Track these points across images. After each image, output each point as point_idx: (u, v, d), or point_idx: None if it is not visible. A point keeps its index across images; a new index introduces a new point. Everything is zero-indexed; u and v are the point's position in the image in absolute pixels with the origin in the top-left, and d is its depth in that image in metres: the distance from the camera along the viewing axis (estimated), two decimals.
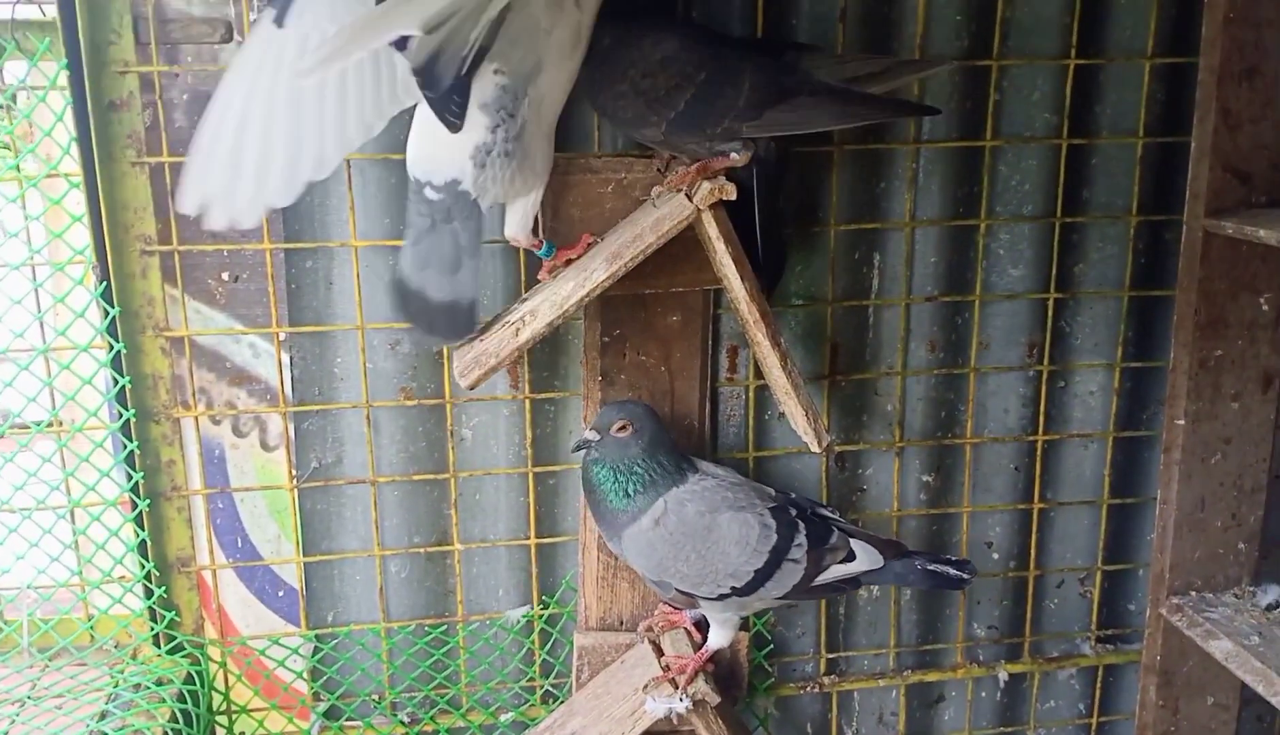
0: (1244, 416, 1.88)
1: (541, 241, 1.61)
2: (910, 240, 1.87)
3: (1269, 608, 1.87)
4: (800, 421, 1.58)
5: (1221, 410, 1.87)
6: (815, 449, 1.57)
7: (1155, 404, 2.03)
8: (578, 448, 1.62)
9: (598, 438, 1.60)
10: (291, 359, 1.77)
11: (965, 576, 1.69)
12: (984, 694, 2.15)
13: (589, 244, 1.61)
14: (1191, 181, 1.80)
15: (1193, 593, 1.94)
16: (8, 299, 1.66)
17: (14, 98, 1.61)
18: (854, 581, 1.68)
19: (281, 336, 1.75)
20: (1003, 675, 2.10)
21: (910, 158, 1.83)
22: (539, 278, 1.64)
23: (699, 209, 1.47)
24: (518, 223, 1.57)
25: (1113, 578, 2.12)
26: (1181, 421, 1.87)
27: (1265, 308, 1.83)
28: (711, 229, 1.49)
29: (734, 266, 1.50)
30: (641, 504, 1.59)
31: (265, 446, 1.84)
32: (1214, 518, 1.92)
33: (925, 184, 1.86)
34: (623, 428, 1.58)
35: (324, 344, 1.78)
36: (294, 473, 1.81)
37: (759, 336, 1.54)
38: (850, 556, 1.65)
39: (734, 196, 1.46)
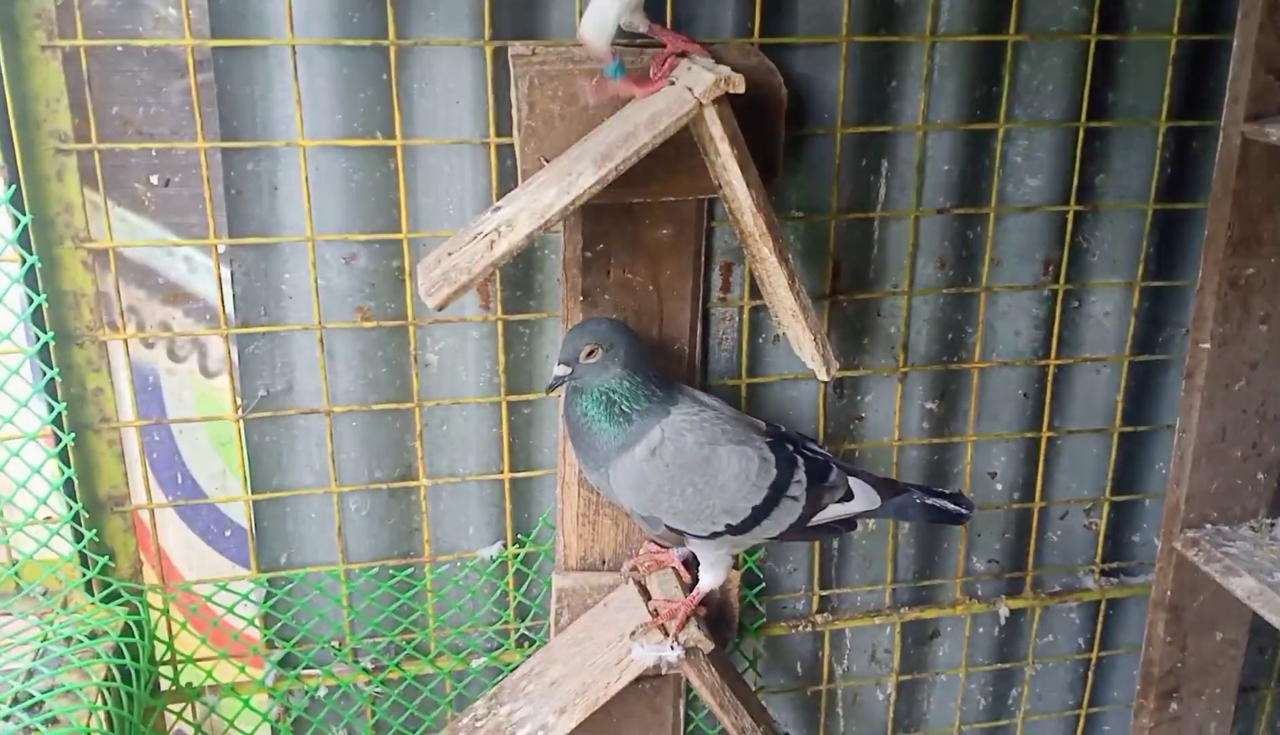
0: (1272, 340, 1.75)
1: (614, 56, 1.35)
2: (922, 146, 1.70)
3: None
4: (807, 346, 1.42)
5: (1249, 333, 1.74)
6: (823, 377, 1.42)
7: (1172, 326, 1.90)
8: (551, 388, 1.45)
9: (569, 371, 1.42)
10: (233, 274, 1.57)
11: (964, 511, 1.58)
12: (981, 630, 2.04)
13: (668, 71, 1.37)
14: (1232, 83, 1.64)
15: (1208, 525, 1.84)
16: None
17: None
18: (849, 522, 1.56)
19: (221, 249, 1.55)
20: (1003, 611, 1.99)
21: (925, 53, 1.65)
22: (589, 97, 1.41)
23: (701, 103, 1.28)
24: (598, 19, 1.31)
25: (1118, 509, 2.01)
26: (1207, 344, 1.74)
27: None
28: (715, 128, 1.31)
29: (739, 172, 1.32)
30: (635, 431, 1.43)
31: (206, 372, 1.65)
32: (1234, 447, 1.81)
33: (940, 83, 1.68)
34: (591, 352, 1.41)
35: (269, 258, 1.57)
36: (239, 402, 1.62)
37: (765, 251, 1.37)
38: (848, 495, 1.53)
39: (742, 89, 1.28)
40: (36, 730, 1.35)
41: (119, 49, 1.45)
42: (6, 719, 1.37)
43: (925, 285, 1.78)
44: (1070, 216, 1.78)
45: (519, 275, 1.66)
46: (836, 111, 1.64)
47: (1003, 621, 2.01)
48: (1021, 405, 1.90)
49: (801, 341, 1.44)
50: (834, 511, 1.53)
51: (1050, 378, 1.88)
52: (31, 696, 1.41)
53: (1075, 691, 2.13)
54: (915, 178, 1.71)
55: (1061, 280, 1.82)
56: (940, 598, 2.00)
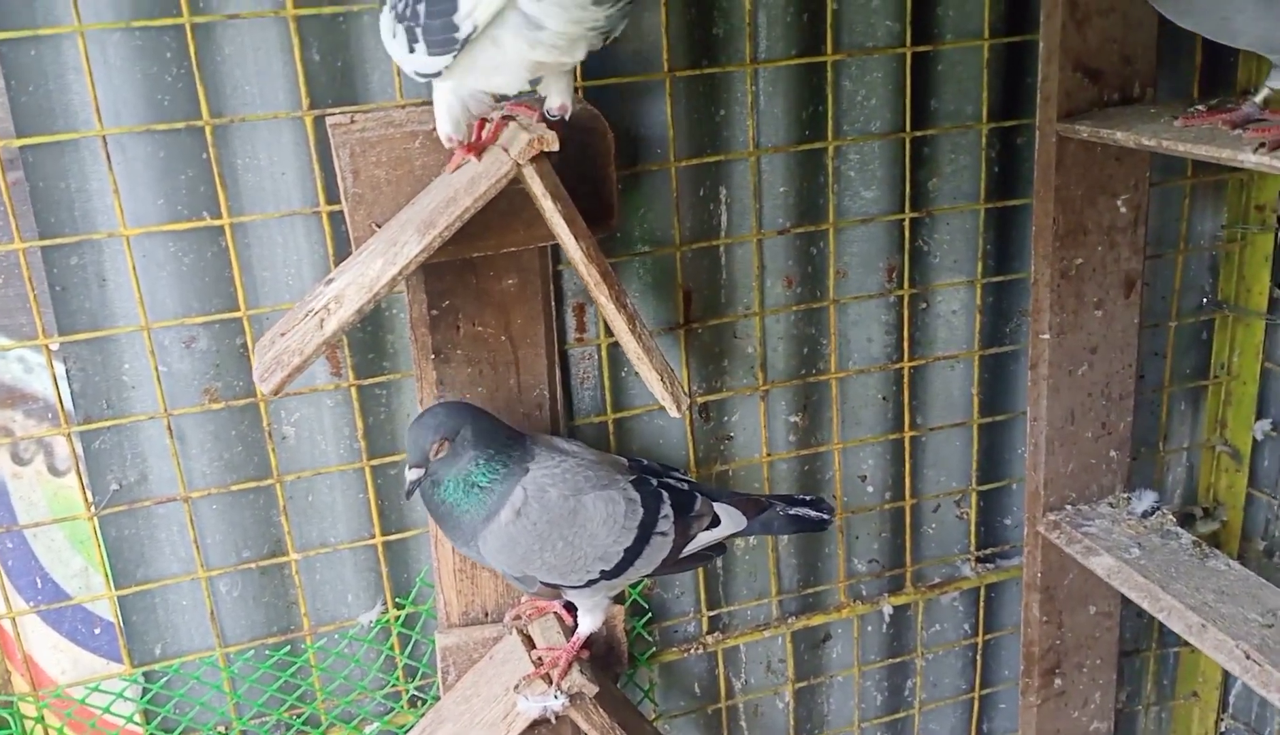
0: (1108, 323, 1.83)
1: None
2: (756, 170, 1.73)
3: (1144, 514, 1.85)
4: (656, 386, 1.43)
5: (1085, 320, 1.81)
6: (674, 413, 1.43)
7: (1018, 316, 1.97)
8: (409, 493, 1.41)
9: (422, 472, 1.40)
10: (68, 371, 1.53)
11: (825, 517, 1.62)
12: (870, 628, 2.09)
13: (492, 136, 1.36)
14: (1042, 83, 1.71)
15: (1068, 506, 1.90)
16: None
17: None
18: (720, 546, 1.58)
19: (54, 347, 1.51)
20: (887, 609, 2.04)
21: (748, 80, 1.68)
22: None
23: (519, 164, 1.29)
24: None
25: (987, 496, 2.07)
26: (1046, 335, 1.81)
27: (1124, 210, 1.76)
28: (535, 185, 1.31)
29: (566, 226, 1.33)
30: (497, 499, 1.42)
31: (54, 471, 1.60)
32: (1084, 429, 1.88)
33: (767, 108, 1.71)
34: (439, 447, 1.39)
35: (106, 350, 1.54)
36: (91, 499, 1.58)
37: (602, 299, 1.38)
38: (715, 521, 1.55)
39: (556, 147, 1.29)
40: None
41: None
42: None
43: (776, 304, 1.82)
44: (907, 223, 1.83)
45: (368, 338, 1.65)
46: (668, 146, 1.66)
47: (888, 618, 2.06)
48: (882, 408, 1.94)
49: (650, 382, 1.45)
50: (704, 539, 1.55)
51: (906, 379, 1.93)
52: None
53: (967, 676, 2.19)
54: (753, 202, 1.74)
55: (906, 285, 1.87)
56: (826, 603, 2.04)
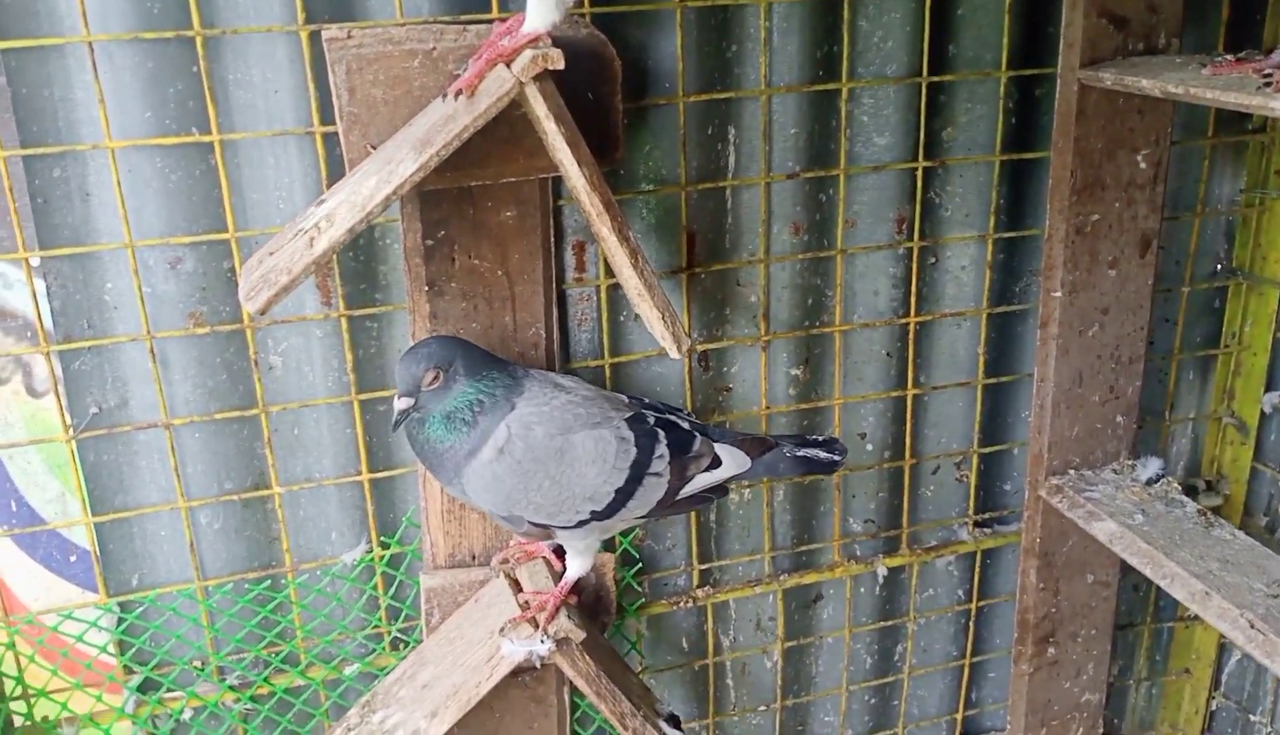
0: (1122, 284, 1.78)
1: None
2: (767, 110, 1.67)
3: (1149, 482, 1.81)
4: (656, 325, 1.39)
5: (1099, 279, 1.77)
6: (674, 355, 1.39)
7: (1029, 275, 1.92)
8: (397, 424, 1.37)
9: (412, 402, 1.36)
10: (49, 288, 1.47)
11: (836, 458, 1.58)
12: (863, 590, 2.05)
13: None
14: (1066, 29, 1.65)
15: (1071, 471, 1.87)
16: None
17: None
18: (721, 488, 1.54)
19: (34, 262, 1.45)
20: (881, 570, 2.00)
21: (762, 14, 1.62)
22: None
23: (521, 82, 1.23)
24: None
25: (988, 460, 2.03)
26: (1058, 293, 1.76)
27: (1143, 166, 1.71)
28: (539, 106, 1.26)
29: (569, 151, 1.28)
30: (479, 434, 1.38)
31: (32, 392, 1.55)
32: (1092, 392, 1.84)
33: (780, 45, 1.65)
34: (434, 378, 1.35)
35: (88, 268, 1.48)
36: (69, 421, 1.53)
37: (604, 231, 1.33)
38: (716, 462, 1.50)
39: (561, 65, 1.23)
40: None
41: None
42: None
43: (781, 251, 1.77)
44: (920, 173, 1.78)
45: (361, 268, 1.60)
46: (677, 80, 1.60)
47: (881, 580, 2.02)
48: (885, 364, 1.90)
49: (650, 320, 1.41)
50: (702, 480, 1.51)
51: (912, 335, 1.88)
52: None
53: (958, 642, 2.16)
54: (763, 143, 1.69)
55: (916, 237, 1.82)
56: (820, 561, 2.00)
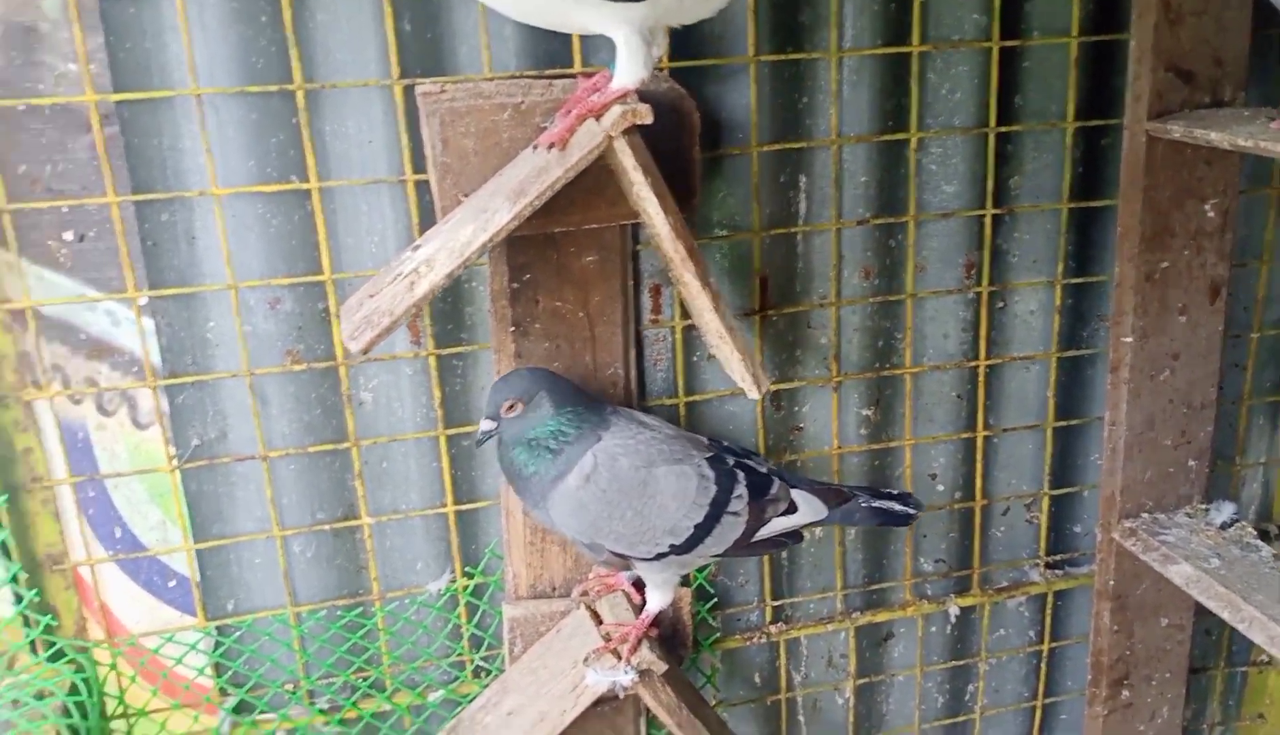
0: (1192, 330, 1.79)
1: None
2: (838, 159, 1.73)
3: (1223, 526, 1.81)
4: (736, 367, 1.44)
5: (1169, 324, 1.79)
6: (753, 395, 1.44)
7: (1096, 320, 1.94)
8: (480, 442, 1.48)
9: (494, 425, 1.45)
10: (157, 326, 1.57)
11: (911, 511, 1.60)
12: (934, 629, 2.07)
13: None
14: (1132, 82, 1.69)
15: (1144, 515, 1.87)
16: None
17: None
18: (796, 534, 1.57)
19: (142, 301, 1.55)
20: (953, 610, 2.02)
21: (833, 68, 1.68)
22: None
23: (610, 136, 1.30)
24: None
25: (1058, 502, 2.04)
26: (1129, 338, 1.78)
27: (1211, 214, 1.74)
28: (626, 158, 1.32)
29: (655, 201, 1.34)
30: (565, 461, 1.44)
31: (137, 424, 1.64)
32: (1164, 436, 1.85)
33: (851, 97, 1.71)
34: (512, 406, 1.44)
35: (193, 307, 1.58)
36: (173, 452, 1.62)
37: (686, 277, 1.39)
38: (792, 508, 1.54)
39: (650, 120, 1.30)
40: None
41: (21, 108, 1.44)
42: None
43: (852, 295, 1.81)
44: (988, 220, 1.81)
45: (448, 309, 1.67)
46: (750, 131, 1.66)
47: (953, 619, 2.04)
48: (956, 406, 1.93)
49: (730, 362, 1.46)
50: (778, 525, 1.54)
51: (982, 378, 1.91)
52: None
53: (1030, 683, 2.16)
54: (833, 191, 1.74)
55: (985, 282, 1.85)
56: (891, 600, 2.02)
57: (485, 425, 1.46)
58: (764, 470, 1.54)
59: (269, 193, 1.54)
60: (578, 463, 1.44)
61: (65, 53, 1.42)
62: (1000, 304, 1.89)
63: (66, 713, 1.53)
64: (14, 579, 1.58)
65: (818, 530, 1.94)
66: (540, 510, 1.49)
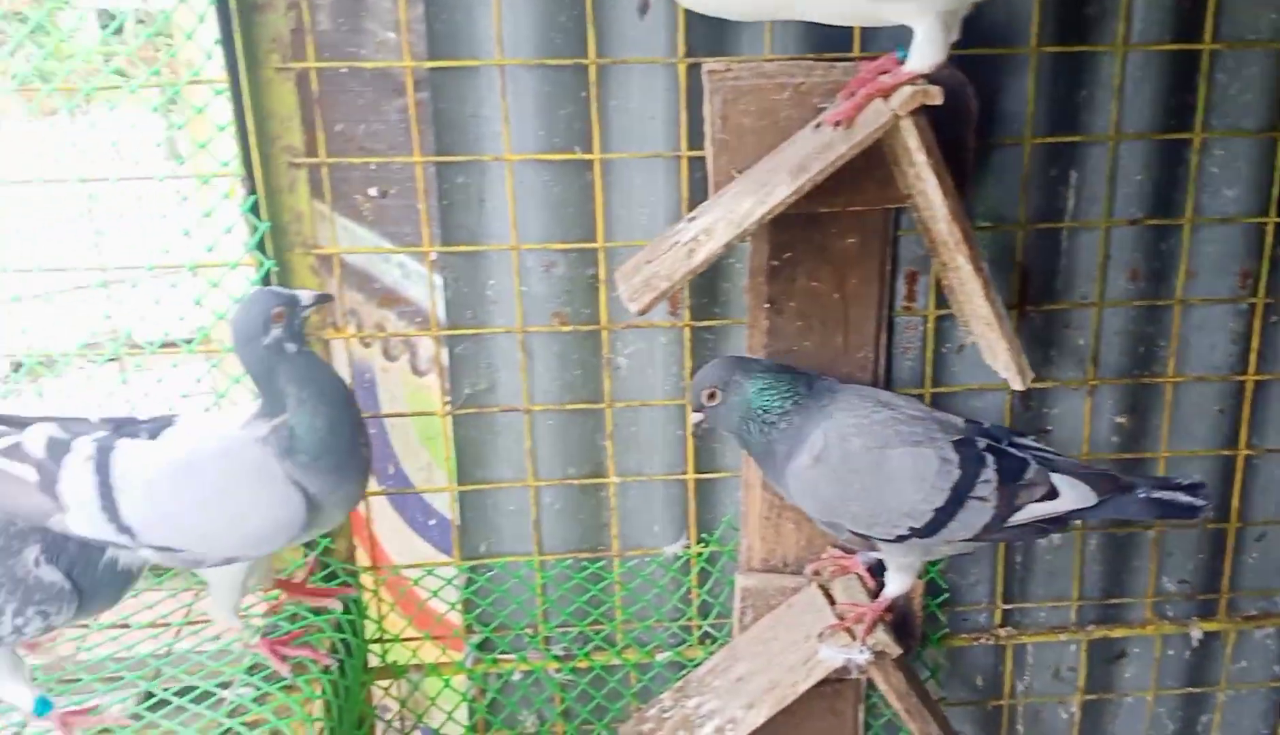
0: None
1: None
2: (1114, 155, 1.69)
3: None
4: (1001, 355, 1.43)
5: None
6: (1017, 386, 1.43)
7: None
8: (696, 434, 1.55)
9: (702, 415, 1.50)
10: (444, 280, 1.69)
11: (1199, 503, 1.48)
12: (1171, 652, 1.99)
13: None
14: None
15: None
16: (153, 214, 1.61)
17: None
18: (1059, 520, 1.50)
19: (433, 256, 1.67)
20: (1195, 633, 1.93)
21: (1118, 62, 1.64)
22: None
23: (897, 116, 1.32)
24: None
25: None
26: None
27: None
28: (910, 139, 1.34)
29: (935, 181, 1.35)
30: (793, 437, 1.46)
31: (415, 371, 1.77)
32: None
33: (1133, 93, 1.67)
34: (711, 395, 1.48)
35: (477, 265, 1.69)
36: (446, 399, 1.74)
37: (960, 260, 1.39)
38: (1051, 494, 1.47)
39: (940, 101, 1.31)
40: (274, 695, 1.48)
41: (344, 71, 1.58)
42: (245, 685, 1.51)
43: (1116, 296, 1.76)
44: (1270, 228, 1.73)
45: (705, 283, 1.73)
46: (1024, 122, 1.64)
47: (1194, 644, 1.95)
48: (1217, 421, 1.85)
49: (995, 350, 1.45)
50: (1034, 511, 1.47)
51: (1249, 393, 1.82)
52: (266, 665, 1.55)
53: (1269, 720, 2.05)
54: (1106, 188, 1.70)
55: (1260, 293, 1.77)
56: (1129, 617, 1.95)
57: (694, 417, 1.51)
58: (1026, 451, 1.48)
59: (554, 161, 1.63)
60: (807, 440, 1.46)
61: (386, 21, 1.55)
62: (1275, 318, 1.80)
63: (340, 628, 1.67)
64: None
65: (1056, 536, 1.89)
66: (780, 485, 1.52)
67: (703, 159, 1.58)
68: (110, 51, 1.55)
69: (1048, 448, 1.52)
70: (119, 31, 1.64)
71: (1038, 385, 1.80)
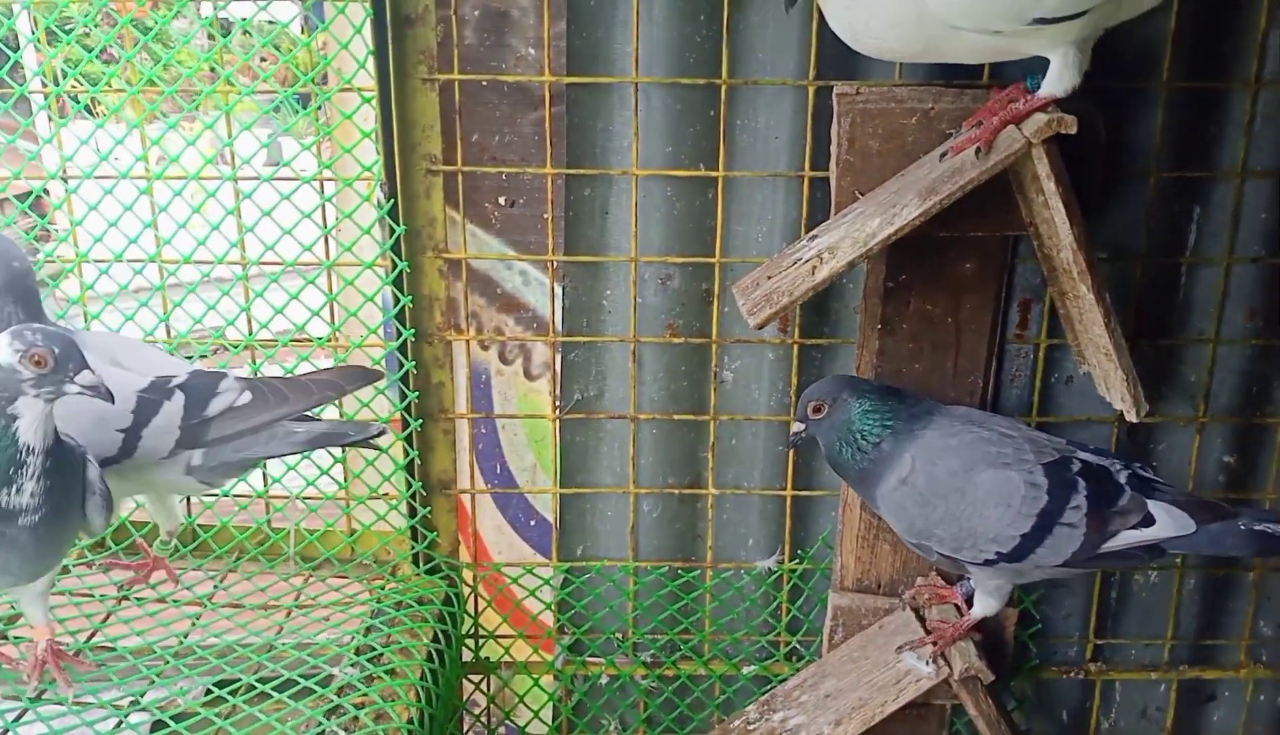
0: None
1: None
2: (1239, 193, 1.67)
3: None
4: (1118, 386, 1.44)
5: None
6: (1132, 417, 1.43)
7: None
8: (791, 444, 1.59)
9: (803, 427, 1.53)
10: (564, 289, 1.73)
11: None
12: (1262, 697, 1.96)
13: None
14: None
15: None
16: (296, 212, 1.68)
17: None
18: (1155, 549, 1.47)
19: (555, 265, 1.71)
20: None
21: (1249, 99, 1.63)
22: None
23: (1030, 143, 1.33)
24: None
25: None
26: None
27: None
28: (1041, 166, 1.35)
29: (1063, 210, 1.36)
30: (885, 460, 1.48)
31: (528, 375, 1.81)
32: None
33: (1262, 130, 1.65)
34: (817, 408, 1.51)
35: (596, 275, 1.73)
36: (557, 403, 1.78)
37: (1082, 289, 1.40)
38: (1147, 521, 1.45)
39: (1074, 130, 1.32)
40: (380, 677, 1.53)
41: (484, 83, 1.63)
42: (352, 666, 1.56)
43: (1233, 335, 1.75)
44: None
45: (816, 302, 1.73)
46: (1151, 155, 1.64)
47: None
48: None
49: (1111, 380, 1.46)
50: (1128, 538, 1.45)
51: None
52: (372, 648, 1.60)
53: None
54: (1229, 225, 1.69)
55: None
56: (1222, 659, 1.93)
57: (795, 428, 1.55)
58: (1122, 479, 1.46)
59: (678, 177, 1.66)
60: (896, 462, 1.48)
61: (528, 37, 1.60)
62: None
63: (440, 620, 1.71)
64: (412, 496, 1.78)
65: (1153, 574, 1.88)
66: (873, 504, 1.54)
67: (824, 180, 1.60)
68: (218, 60, 1.61)
69: (1141, 471, 1.49)
70: (225, 37, 1.70)
71: (1146, 420, 1.78)
